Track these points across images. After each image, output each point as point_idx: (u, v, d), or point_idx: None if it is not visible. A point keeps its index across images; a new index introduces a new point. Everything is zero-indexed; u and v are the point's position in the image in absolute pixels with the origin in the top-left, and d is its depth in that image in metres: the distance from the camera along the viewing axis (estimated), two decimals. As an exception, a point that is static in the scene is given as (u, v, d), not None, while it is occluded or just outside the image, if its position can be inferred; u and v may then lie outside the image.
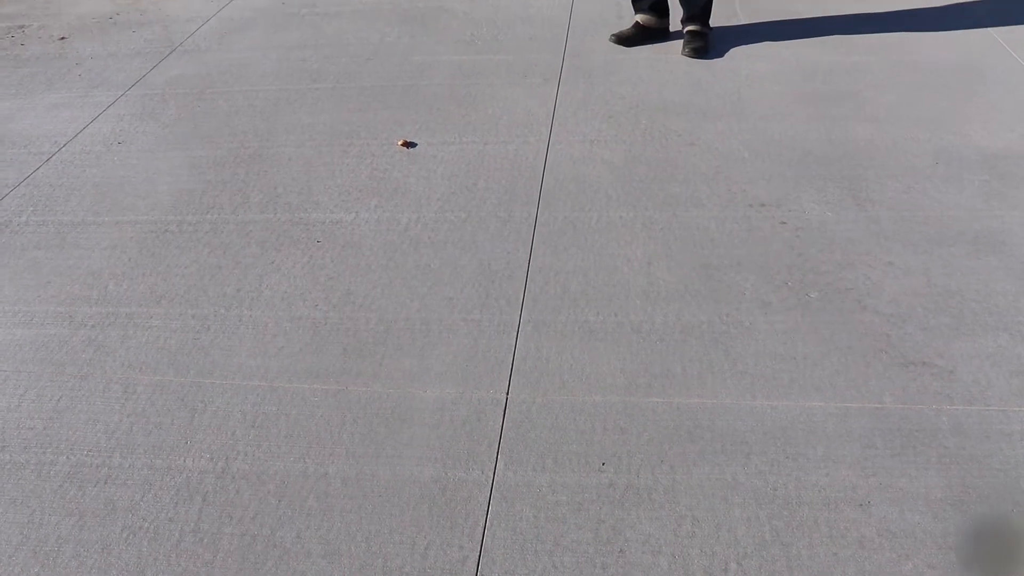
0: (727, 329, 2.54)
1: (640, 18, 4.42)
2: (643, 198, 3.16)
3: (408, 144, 3.62)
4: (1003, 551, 1.94)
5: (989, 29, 4.31)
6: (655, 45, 4.37)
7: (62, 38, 5.24)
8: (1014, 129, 3.47)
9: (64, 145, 3.90)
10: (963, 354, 2.41)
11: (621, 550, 1.95)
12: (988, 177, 3.18)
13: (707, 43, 4.24)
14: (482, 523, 2.04)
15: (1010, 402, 2.26)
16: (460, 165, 3.45)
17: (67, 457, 2.29)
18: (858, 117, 3.63)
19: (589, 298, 2.69)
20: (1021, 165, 3.23)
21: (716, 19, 4.38)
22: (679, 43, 4.31)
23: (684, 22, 4.32)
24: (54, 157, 3.81)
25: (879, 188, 3.15)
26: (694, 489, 2.08)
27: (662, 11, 4.39)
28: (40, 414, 2.44)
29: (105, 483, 2.22)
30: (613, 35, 4.44)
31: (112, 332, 2.72)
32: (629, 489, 2.09)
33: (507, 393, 2.37)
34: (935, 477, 2.07)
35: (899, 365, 2.38)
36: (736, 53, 4.25)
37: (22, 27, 5.50)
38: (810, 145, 3.44)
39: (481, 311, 2.67)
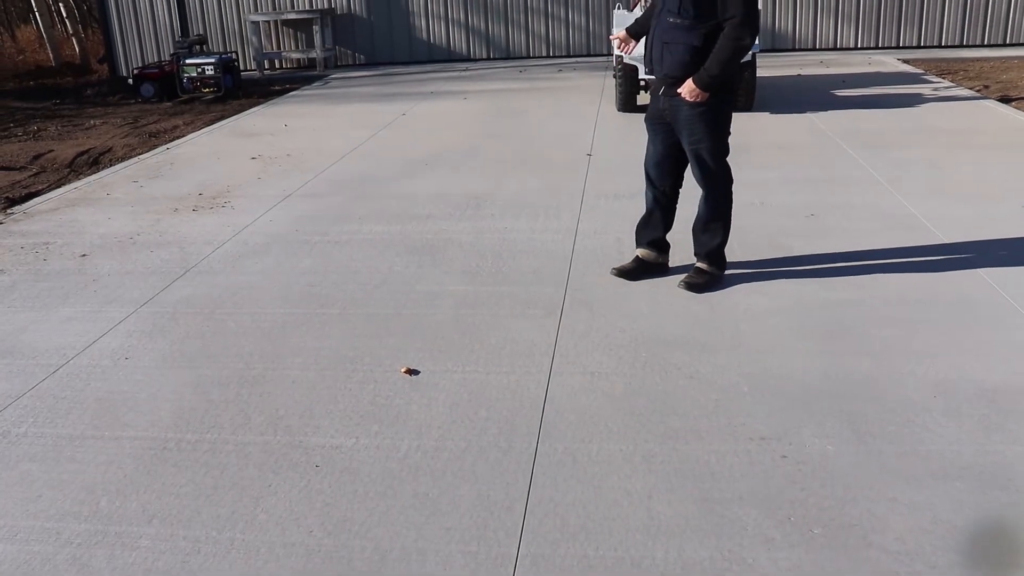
0: (729, 566, 2.48)
1: (640, 252, 4.63)
2: (643, 431, 3.18)
3: (411, 372, 3.68)
4: None
5: (977, 270, 4.50)
6: (656, 279, 4.53)
7: (83, 255, 5.44)
8: (1008, 363, 3.54)
9: (72, 358, 3.96)
10: (976, 600, 2.34)
11: None
12: (987, 411, 3.20)
13: (706, 282, 4.39)
14: None
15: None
16: (462, 394, 3.49)
17: None
18: (855, 351, 3.71)
19: (588, 532, 2.65)
20: (1019, 400, 3.27)
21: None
22: (680, 277, 4.47)
23: (695, 256, 4.50)
24: (60, 370, 3.85)
25: (879, 422, 3.16)
26: None
27: (662, 247, 4.59)
28: (13, 639, 2.33)
29: None
30: (615, 268, 4.63)
31: (99, 551, 2.65)
32: None
33: (503, 632, 2.28)
34: None
35: (909, 612, 2.31)
36: (734, 288, 4.40)
37: (47, 244, 5.72)
38: (809, 379, 3.49)
39: (479, 543, 2.62)
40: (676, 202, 4.52)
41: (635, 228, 4.67)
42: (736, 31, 4.00)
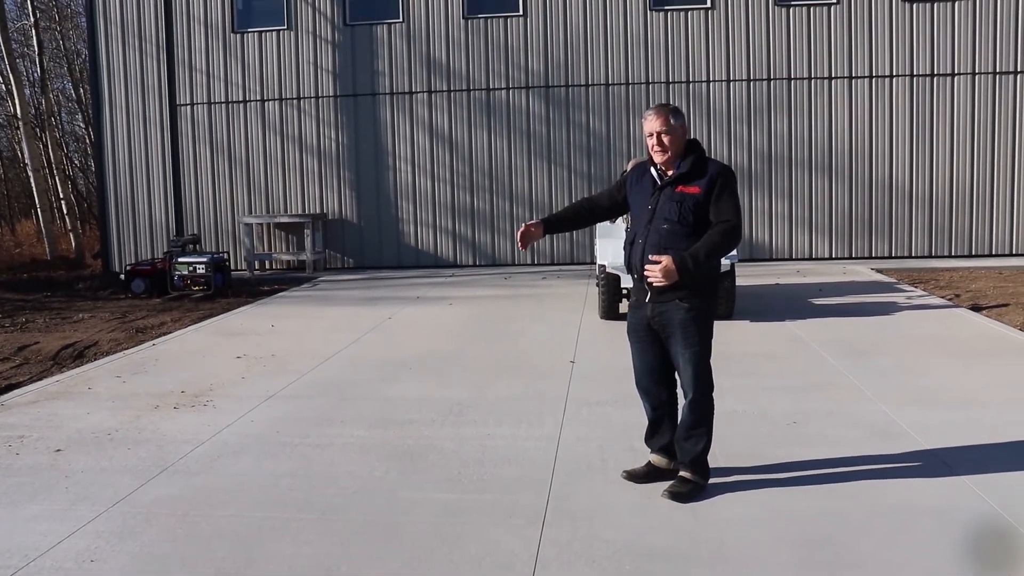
0: None
1: (653, 459, 4.64)
2: (627, 651, 3.05)
3: (388, 581, 3.57)
4: None
5: (961, 477, 4.48)
6: (640, 489, 4.47)
7: (58, 450, 5.35)
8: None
9: (34, 559, 3.82)
10: None
11: None
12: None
13: (690, 491, 4.34)
14: None
15: None
16: (440, 606, 3.37)
17: None
18: (841, 563, 3.63)
19: None
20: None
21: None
22: (663, 485, 4.42)
23: (677, 465, 4.48)
24: (19, 572, 3.70)
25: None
26: None
27: (673, 453, 4.57)
28: None
29: None
30: (625, 472, 4.65)
31: None
32: None
33: None
34: None
35: None
36: (718, 497, 4.35)
37: (21, 437, 5.63)
38: (796, 599, 3.40)
39: None
40: (677, 406, 4.55)
41: (643, 437, 4.71)
42: (730, 231, 4.24)
